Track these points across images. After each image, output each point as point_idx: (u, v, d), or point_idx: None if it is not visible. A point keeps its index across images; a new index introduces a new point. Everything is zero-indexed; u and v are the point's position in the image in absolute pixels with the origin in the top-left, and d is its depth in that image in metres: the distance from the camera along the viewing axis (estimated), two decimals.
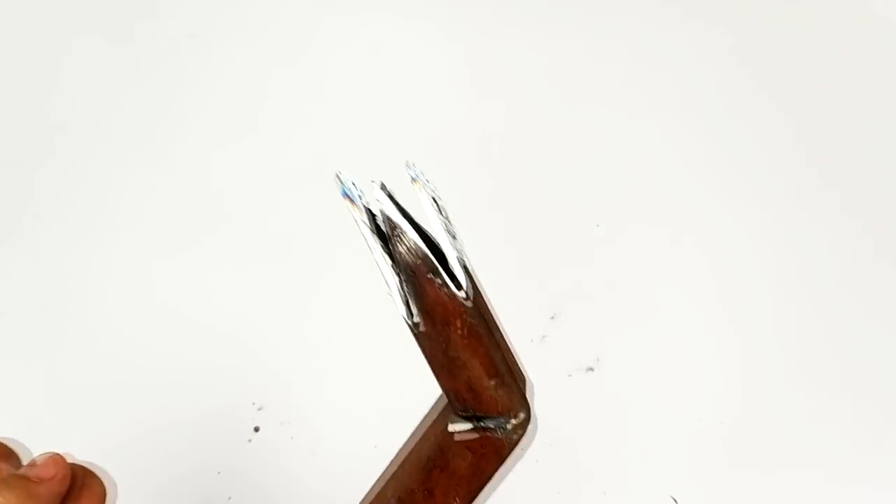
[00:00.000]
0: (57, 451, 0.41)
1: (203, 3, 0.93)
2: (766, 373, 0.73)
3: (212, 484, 0.68)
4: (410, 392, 0.70)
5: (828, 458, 0.69)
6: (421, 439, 0.40)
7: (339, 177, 0.36)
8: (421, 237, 0.35)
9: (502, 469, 0.39)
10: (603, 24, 0.91)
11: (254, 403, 0.71)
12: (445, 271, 0.35)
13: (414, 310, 0.36)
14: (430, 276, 0.35)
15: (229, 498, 0.68)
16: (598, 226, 0.80)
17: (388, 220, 0.35)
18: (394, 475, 0.41)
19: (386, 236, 0.35)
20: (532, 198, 0.82)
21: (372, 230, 0.35)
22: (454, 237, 0.36)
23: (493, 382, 0.37)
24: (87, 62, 0.90)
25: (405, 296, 0.36)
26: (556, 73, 0.88)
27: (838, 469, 0.69)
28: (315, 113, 0.87)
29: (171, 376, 0.72)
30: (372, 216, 0.36)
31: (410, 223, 0.35)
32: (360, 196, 0.36)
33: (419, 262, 0.35)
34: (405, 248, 0.35)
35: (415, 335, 0.36)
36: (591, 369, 0.73)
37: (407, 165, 0.37)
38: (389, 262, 0.35)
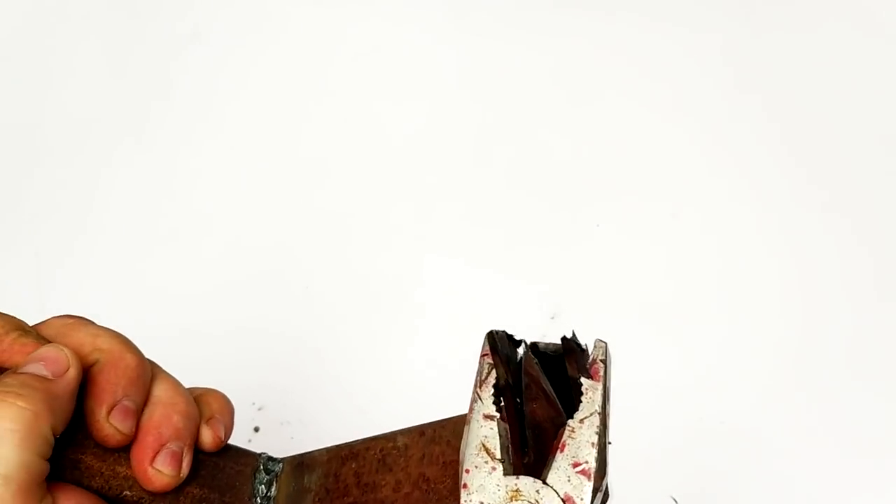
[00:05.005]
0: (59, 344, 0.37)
1: (203, 3, 0.93)
2: (767, 373, 0.73)
3: None
4: (410, 393, 0.70)
5: (828, 457, 0.69)
6: None
7: (494, 333, 0.38)
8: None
9: None
10: (604, 23, 0.91)
11: (254, 403, 0.71)
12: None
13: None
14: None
15: None
16: (598, 225, 0.80)
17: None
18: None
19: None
20: (532, 197, 0.82)
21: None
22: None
23: None
24: (86, 62, 0.90)
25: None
26: (557, 72, 0.88)
27: (839, 469, 0.69)
28: (315, 112, 0.87)
29: None
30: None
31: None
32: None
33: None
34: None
35: None
36: None
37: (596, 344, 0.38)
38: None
